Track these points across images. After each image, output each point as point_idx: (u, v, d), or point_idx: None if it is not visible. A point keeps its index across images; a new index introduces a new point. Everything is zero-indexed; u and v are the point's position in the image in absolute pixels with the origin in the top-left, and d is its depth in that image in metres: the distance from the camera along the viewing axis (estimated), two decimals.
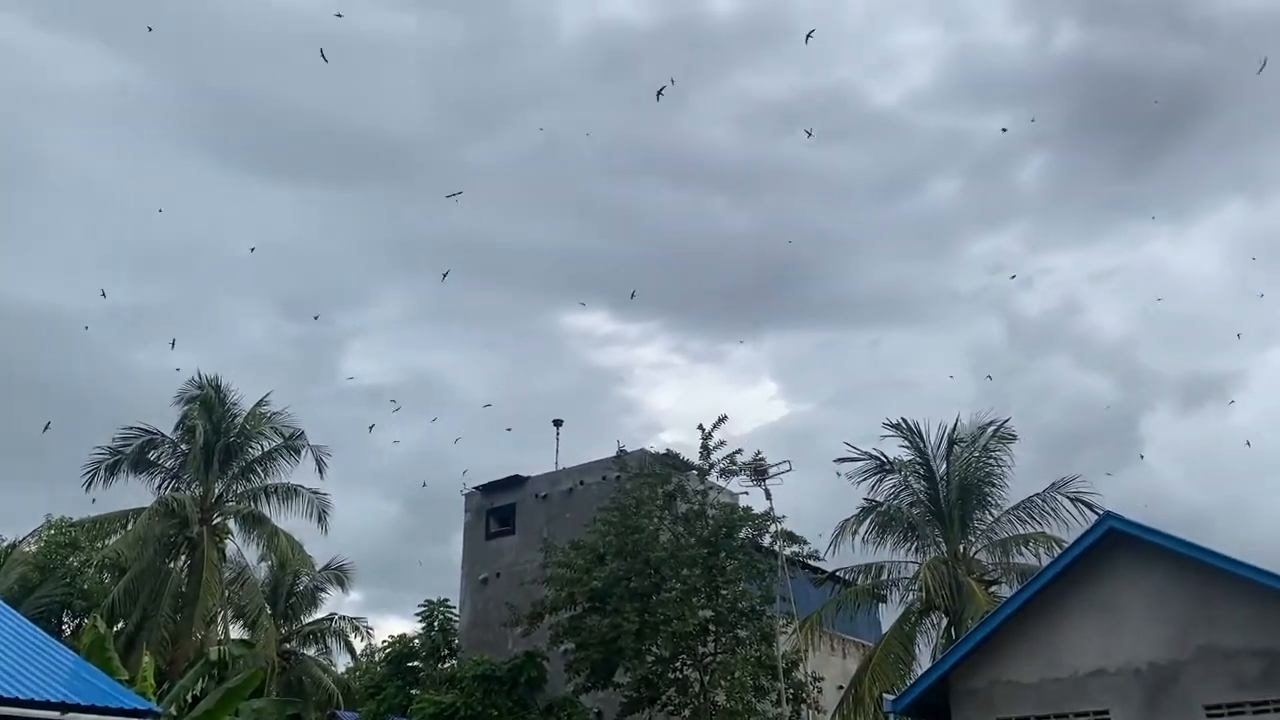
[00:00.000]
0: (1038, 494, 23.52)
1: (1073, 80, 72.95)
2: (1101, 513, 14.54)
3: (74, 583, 31.13)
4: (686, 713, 21.17)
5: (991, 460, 24.01)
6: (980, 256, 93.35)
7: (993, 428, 24.04)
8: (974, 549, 24.09)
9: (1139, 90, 66.76)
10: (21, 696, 14.82)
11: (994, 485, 24.02)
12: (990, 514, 24.17)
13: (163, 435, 31.41)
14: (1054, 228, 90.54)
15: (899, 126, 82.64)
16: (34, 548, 31.92)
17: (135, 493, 31.71)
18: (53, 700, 15.13)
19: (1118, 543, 13.18)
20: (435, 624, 25.63)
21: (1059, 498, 23.12)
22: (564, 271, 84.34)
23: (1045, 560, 21.26)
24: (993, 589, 23.06)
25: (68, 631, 30.18)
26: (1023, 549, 23.39)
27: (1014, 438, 24.13)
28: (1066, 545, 15.57)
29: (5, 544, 32.09)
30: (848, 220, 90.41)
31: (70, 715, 15.18)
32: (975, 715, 13.72)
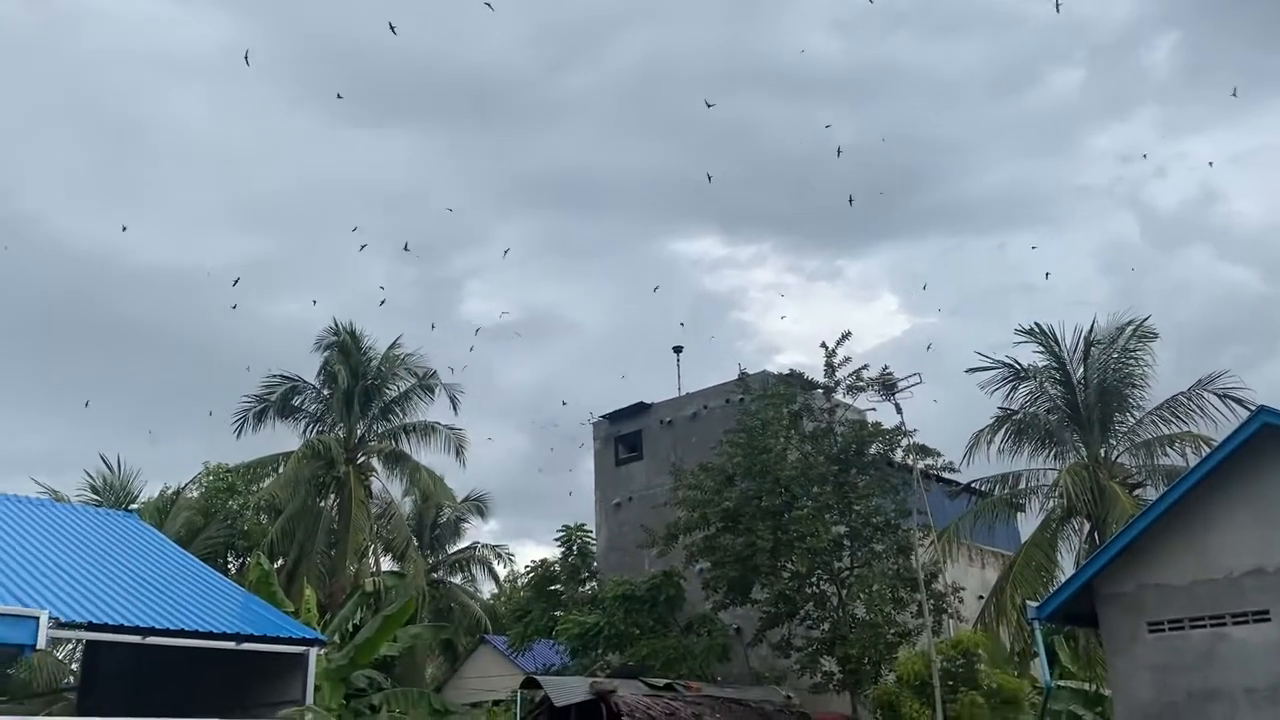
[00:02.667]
0: (1182, 393, 22.71)
1: None
2: (1254, 408, 13.93)
3: (234, 524, 32.97)
4: (825, 626, 21.35)
5: (1131, 361, 23.21)
6: (1109, 148, 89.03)
7: (1132, 327, 23.19)
8: (1116, 453, 23.46)
9: None
10: (201, 629, 15.98)
11: (1135, 386, 23.26)
12: (1132, 416, 23.46)
13: (305, 381, 32.88)
14: (1188, 111, 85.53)
15: (1011, 16, 78.73)
16: (196, 494, 33.93)
17: (282, 437, 33.43)
18: (229, 631, 16.27)
19: (1274, 437, 12.64)
20: (574, 548, 26.29)
21: (1205, 395, 22.28)
22: (671, 197, 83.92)
23: (1192, 460, 20.59)
24: (1137, 492, 22.47)
25: (232, 570, 32.08)
26: (1168, 450, 22.68)
27: (1155, 336, 23.28)
28: (1216, 444, 15.02)
29: (170, 491, 34.16)
30: (962, 121, 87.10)
31: (245, 645, 16.32)
32: (1123, 620, 13.48)
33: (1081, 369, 23.45)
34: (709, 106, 25.02)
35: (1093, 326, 23.50)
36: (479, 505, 39.76)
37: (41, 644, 13.75)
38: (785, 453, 22.30)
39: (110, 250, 74.00)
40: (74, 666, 24.57)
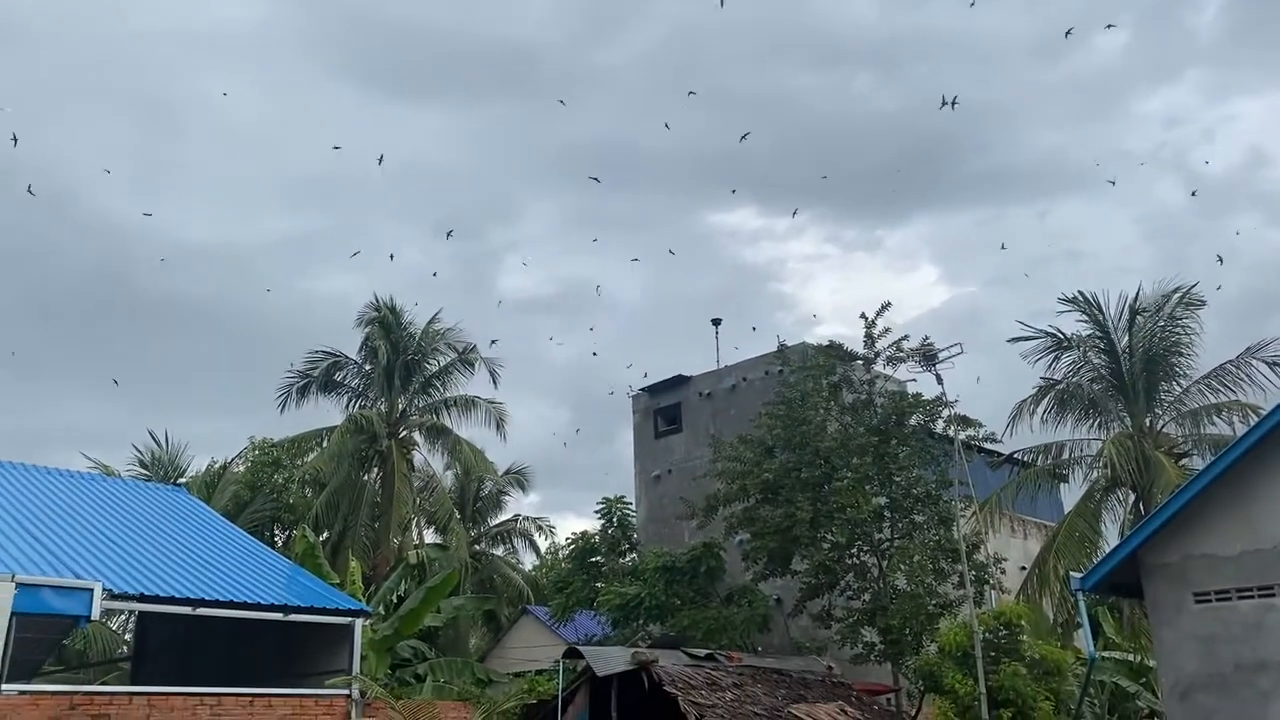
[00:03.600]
0: (1230, 361, 22.35)
1: None
2: None
3: (280, 498, 33.48)
4: (866, 597, 21.31)
5: (1178, 328, 22.86)
6: (1154, 113, 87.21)
7: (1178, 294, 22.80)
8: (1162, 422, 23.15)
9: None
10: (250, 600, 16.28)
11: (1181, 354, 22.92)
12: (1178, 385, 23.13)
13: (346, 357, 33.24)
14: (1237, 73, 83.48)
15: None
16: (242, 468, 34.47)
17: (325, 412, 33.88)
18: (277, 603, 16.56)
19: None
20: (614, 520, 26.41)
21: (1254, 363, 21.95)
22: (706, 169, 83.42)
23: (1240, 429, 20.28)
24: (1183, 462, 22.18)
25: (279, 543, 32.61)
26: (1215, 419, 22.37)
27: (1202, 303, 22.87)
28: (1265, 412, 14.76)
29: (217, 465, 34.74)
30: (1002, 86, 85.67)
31: (293, 616, 16.61)
32: (1169, 590, 13.33)
33: (1126, 337, 23.13)
34: (690, 94, 24.62)
35: (1138, 294, 23.17)
36: (519, 478, 40.06)
37: (96, 615, 14.11)
38: (825, 424, 22.21)
39: (151, 227, 75.03)
40: (127, 637, 25.17)
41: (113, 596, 14.55)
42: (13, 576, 13.53)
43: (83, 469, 27.33)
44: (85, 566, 15.60)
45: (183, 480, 32.17)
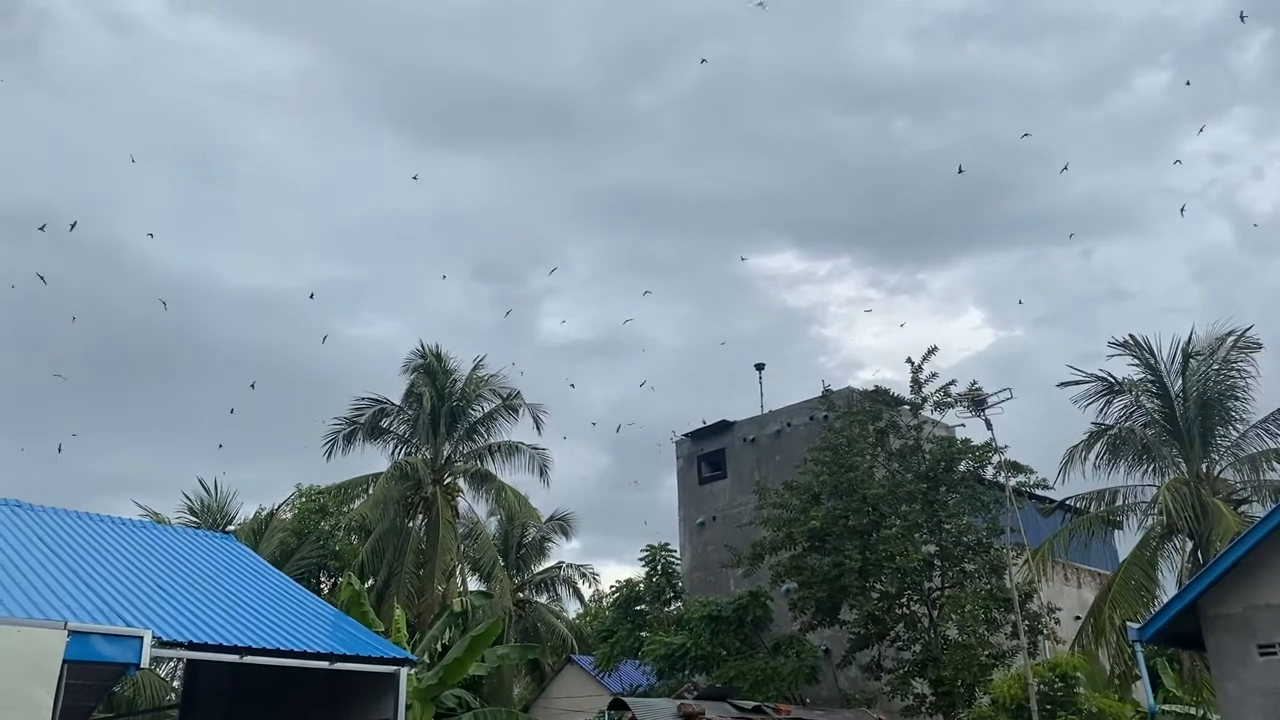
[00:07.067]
0: None
1: None
2: None
3: (326, 545, 33.69)
4: (916, 647, 20.91)
5: (1233, 372, 22.42)
6: (1199, 152, 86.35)
7: (1232, 337, 22.40)
8: (1219, 468, 22.62)
9: None
10: (296, 648, 16.30)
11: (1238, 398, 22.45)
12: (1235, 429, 22.62)
13: (392, 403, 33.53)
14: None
15: (1092, 20, 76.99)
16: (289, 515, 34.77)
17: (371, 459, 34.18)
18: (323, 651, 16.58)
19: None
20: (658, 567, 26.21)
21: None
22: (745, 213, 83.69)
23: None
24: (1242, 508, 21.63)
25: (325, 590, 32.76)
26: (1275, 464, 21.82)
27: (1258, 346, 22.43)
28: None
29: (265, 512, 35.05)
30: (1044, 128, 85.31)
31: (339, 664, 16.61)
32: (1231, 642, 12.95)
33: (1180, 381, 22.73)
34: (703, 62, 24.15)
35: (1190, 337, 22.80)
36: (563, 525, 40.00)
37: (145, 663, 14.15)
38: (872, 470, 21.95)
39: (198, 275, 76.65)
40: (175, 684, 25.31)
41: (162, 644, 14.63)
42: (65, 624, 13.66)
43: (134, 516, 27.68)
44: (135, 614, 15.73)
45: (231, 527, 32.51)
